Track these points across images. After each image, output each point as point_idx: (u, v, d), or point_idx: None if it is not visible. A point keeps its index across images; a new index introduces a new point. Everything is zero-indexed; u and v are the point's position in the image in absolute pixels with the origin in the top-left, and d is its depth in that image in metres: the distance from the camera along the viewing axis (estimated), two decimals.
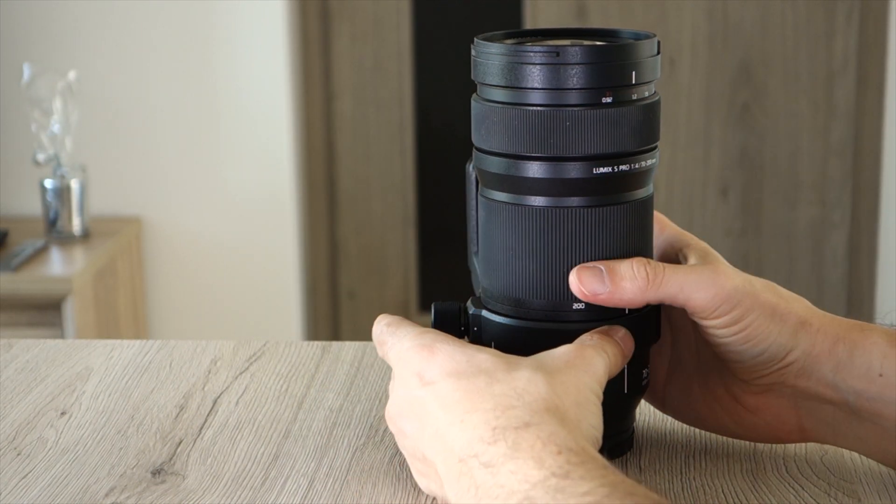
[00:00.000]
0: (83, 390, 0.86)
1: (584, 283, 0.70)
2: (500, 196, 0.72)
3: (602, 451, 0.64)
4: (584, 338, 0.70)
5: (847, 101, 2.66)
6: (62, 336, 2.23)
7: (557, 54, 0.69)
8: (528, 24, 2.65)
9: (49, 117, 2.38)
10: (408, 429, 0.67)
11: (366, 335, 2.77)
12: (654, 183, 0.74)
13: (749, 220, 2.73)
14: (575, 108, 0.69)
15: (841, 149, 2.69)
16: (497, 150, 0.71)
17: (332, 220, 2.77)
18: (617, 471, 0.59)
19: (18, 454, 0.77)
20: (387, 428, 0.79)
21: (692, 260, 0.74)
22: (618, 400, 0.73)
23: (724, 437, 0.77)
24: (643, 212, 0.72)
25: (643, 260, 0.71)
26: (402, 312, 2.78)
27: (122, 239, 2.50)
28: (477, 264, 0.75)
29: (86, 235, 2.42)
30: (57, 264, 2.33)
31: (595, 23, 2.64)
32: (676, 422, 0.78)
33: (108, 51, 2.56)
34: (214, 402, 0.84)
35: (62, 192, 2.39)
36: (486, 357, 0.67)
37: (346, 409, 0.83)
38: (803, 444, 0.76)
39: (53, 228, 2.40)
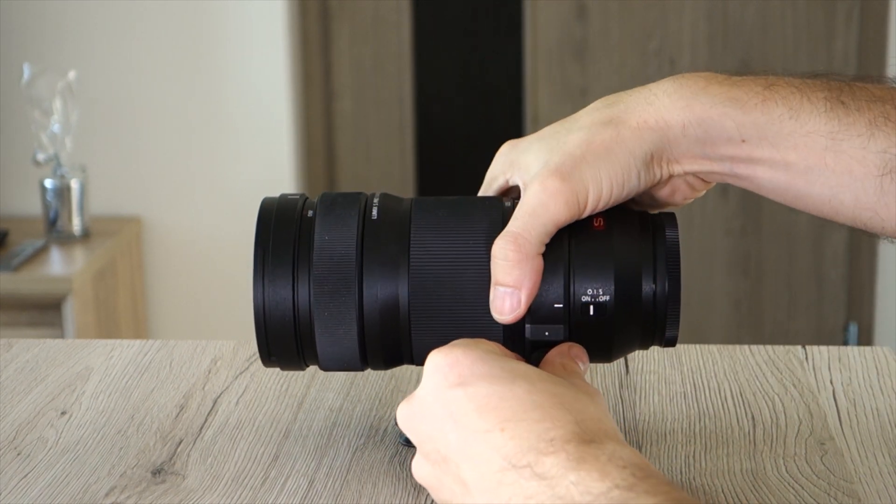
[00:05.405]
0: (83, 390, 0.86)
1: (500, 309, 0.68)
2: None
3: None
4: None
5: None
6: (62, 336, 2.23)
7: None
8: (529, 24, 2.65)
9: (49, 117, 2.38)
10: (426, 429, 0.64)
11: None
12: None
13: (749, 219, 2.73)
14: None
15: None
16: None
17: None
18: (681, 489, 0.58)
19: (18, 454, 0.77)
20: (387, 428, 0.79)
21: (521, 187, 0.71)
22: None
23: (724, 437, 0.77)
24: None
25: (498, 240, 0.68)
26: None
27: (122, 239, 2.50)
28: None
29: (86, 235, 2.42)
30: (57, 264, 2.33)
31: (595, 23, 2.64)
32: (676, 422, 0.78)
33: (108, 51, 2.56)
34: (214, 402, 0.84)
35: (62, 192, 2.39)
36: (517, 363, 0.64)
37: (346, 409, 0.83)
38: (803, 444, 0.76)
39: (53, 228, 2.40)
